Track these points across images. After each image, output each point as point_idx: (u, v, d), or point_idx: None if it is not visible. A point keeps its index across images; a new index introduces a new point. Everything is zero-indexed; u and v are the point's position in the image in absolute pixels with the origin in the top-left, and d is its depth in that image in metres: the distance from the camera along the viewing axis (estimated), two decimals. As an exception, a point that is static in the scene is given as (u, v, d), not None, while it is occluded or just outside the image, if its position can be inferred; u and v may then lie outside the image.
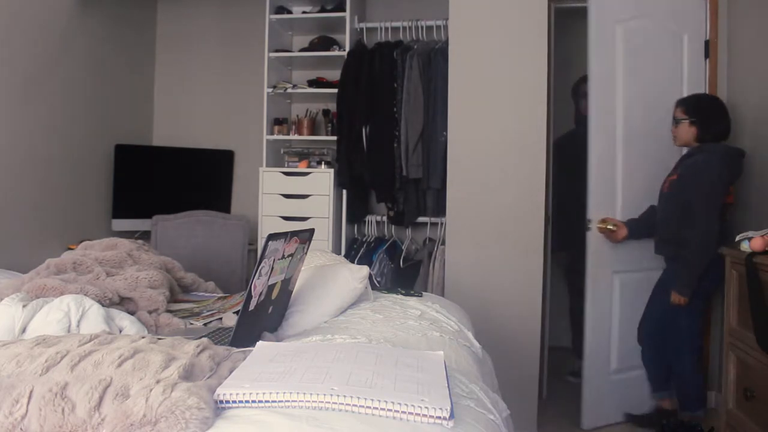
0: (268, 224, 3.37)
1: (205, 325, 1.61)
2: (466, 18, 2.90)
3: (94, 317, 1.35)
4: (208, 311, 1.73)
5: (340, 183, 3.43)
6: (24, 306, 1.33)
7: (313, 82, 3.66)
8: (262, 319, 1.42)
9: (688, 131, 2.63)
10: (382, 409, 0.91)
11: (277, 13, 3.58)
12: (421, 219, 3.41)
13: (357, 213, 3.56)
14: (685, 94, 2.90)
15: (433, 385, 0.99)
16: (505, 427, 1.19)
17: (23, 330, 1.31)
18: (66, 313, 1.32)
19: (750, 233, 2.21)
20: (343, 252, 3.45)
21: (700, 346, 2.81)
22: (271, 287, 1.37)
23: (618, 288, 2.89)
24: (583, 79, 3.07)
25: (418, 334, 1.59)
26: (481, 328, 2.07)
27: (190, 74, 4.09)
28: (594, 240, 2.81)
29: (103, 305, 1.43)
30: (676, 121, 2.67)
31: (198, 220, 2.89)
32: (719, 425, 2.45)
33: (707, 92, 3.01)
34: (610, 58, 2.83)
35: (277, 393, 0.92)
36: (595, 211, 2.80)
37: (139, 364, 0.95)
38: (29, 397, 0.85)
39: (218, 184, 3.97)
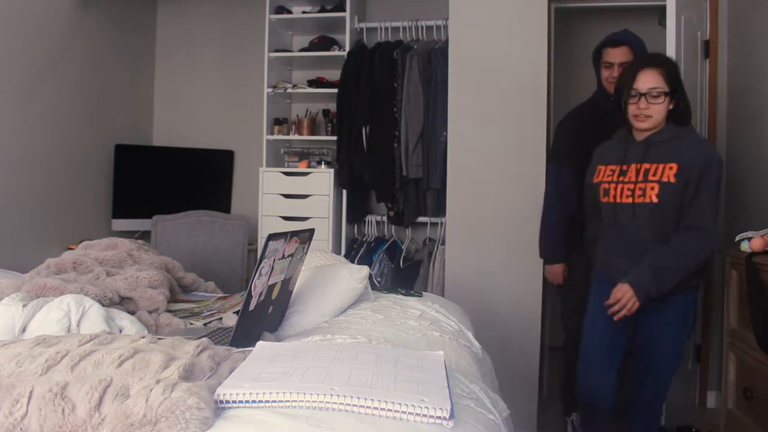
0: (268, 224, 3.36)
1: (205, 325, 1.61)
2: (466, 18, 2.90)
3: (94, 317, 1.35)
4: (208, 311, 1.73)
5: (340, 183, 3.43)
6: (24, 306, 1.33)
7: (313, 82, 3.66)
8: (262, 319, 1.42)
9: (664, 109, 1.91)
10: (382, 409, 0.91)
11: (277, 13, 3.58)
12: (421, 219, 3.41)
13: (357, 213, 3.56)
14: (698, 95, 2.72)
15: (433, 385, 0.99)
16: (505, 427, 1.19)
17: (23, 330, 1.31)
18: (66, 313, 1.32)
19: (750, 233, 2.21)
20: (343, 252, 3.45)
21: None
22: (271, 287, 1.37)
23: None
24: (607, 43, 2.54)
25: (418, 334, 1.59)
26: (481, 328, 2.07)
27: (190, 74, 4.09)
28: None
29: (103, 305, 1.43)
30: (649, 95, 1.88)
31: (198, 220, 2.88)
32: (719, 425, 2.45)
33: (707, 93, 3.00)
34: (679, 50, 2.52)
35: (277, 393, 0.92)
36: None
37: (139, 364, 0.95)
38: (29, 397, 0.85)
39: (218, 184, 3.97)
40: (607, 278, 2.06)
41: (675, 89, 1.91)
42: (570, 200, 2.54)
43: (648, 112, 1.90)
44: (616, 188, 1.99)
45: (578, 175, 2.49)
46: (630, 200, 1.95)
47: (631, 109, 1.92)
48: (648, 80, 1.89)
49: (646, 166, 1.93)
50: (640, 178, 1.94)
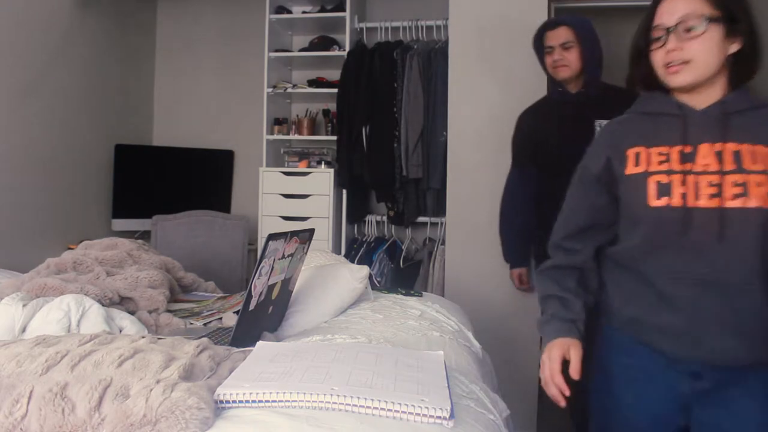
0: (268, 224, 3.36)
1: (205, 325, 1.61)
2: (466, 18, 2.90)
3: (94, 317, 1.35)
4: (208, 311, 1.73)
5: (340, 183, 3.43)
6: (24, 305, 1.33)
7: (313, 82, 3.66)
8: (262, 319, 1.42)
9: (715, 46, 1.14)
10: (382, 409, 0.91)
11: (277, 12, 3.58)
12: (421, 219, 3.41)
13: (357, 213, 3.56)
14: None
15: (433, 385, 0.99)
16: (505, 427, 1.19)
17: (23, 329, 1.31)
18: (66, 313, 1.32)
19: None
20: (343, 252, 3.45)
21: None
22: (271, 287, 1.37)
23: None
24: (544, 27, 2.34)
25: (418, 334, 1.59)
26: (481, 328, 2.07)
27: (190, 74, 4.09)
28: None
29: (103, 305, 1.43)
30: (681, 28, 1.14)
31: (198, 220, 2.88)
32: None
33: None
34: None
35: (277, 393, 0.92)
36: None
37: (139, 364, 0.95)
38: (29, 397, 0.85)
39: (218, 184, 3.97)
40: (644, 353, 1.24)
41: (731, 17, 1.13)
42: (518, 203, 2.51)
43: (683, 55, 1.13)
44: (684, 182, 1.14)
45: (524, 177, 2.47)
46: (716, 203, 1.13)
47: (658, 57, 1.17)
48: (678, 6, 1.14)
49: (733, 146, 1.14)
50: (728, 166, 1.13)
